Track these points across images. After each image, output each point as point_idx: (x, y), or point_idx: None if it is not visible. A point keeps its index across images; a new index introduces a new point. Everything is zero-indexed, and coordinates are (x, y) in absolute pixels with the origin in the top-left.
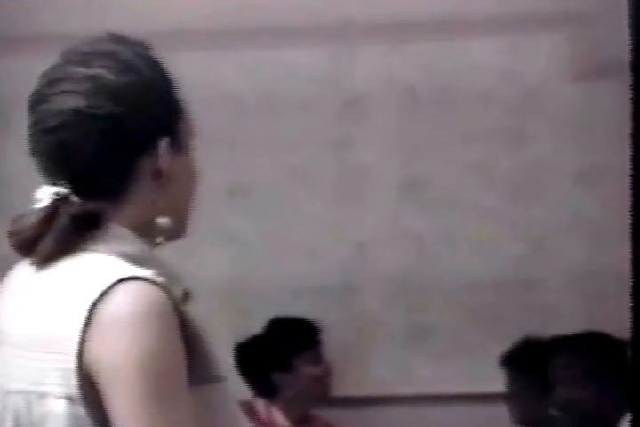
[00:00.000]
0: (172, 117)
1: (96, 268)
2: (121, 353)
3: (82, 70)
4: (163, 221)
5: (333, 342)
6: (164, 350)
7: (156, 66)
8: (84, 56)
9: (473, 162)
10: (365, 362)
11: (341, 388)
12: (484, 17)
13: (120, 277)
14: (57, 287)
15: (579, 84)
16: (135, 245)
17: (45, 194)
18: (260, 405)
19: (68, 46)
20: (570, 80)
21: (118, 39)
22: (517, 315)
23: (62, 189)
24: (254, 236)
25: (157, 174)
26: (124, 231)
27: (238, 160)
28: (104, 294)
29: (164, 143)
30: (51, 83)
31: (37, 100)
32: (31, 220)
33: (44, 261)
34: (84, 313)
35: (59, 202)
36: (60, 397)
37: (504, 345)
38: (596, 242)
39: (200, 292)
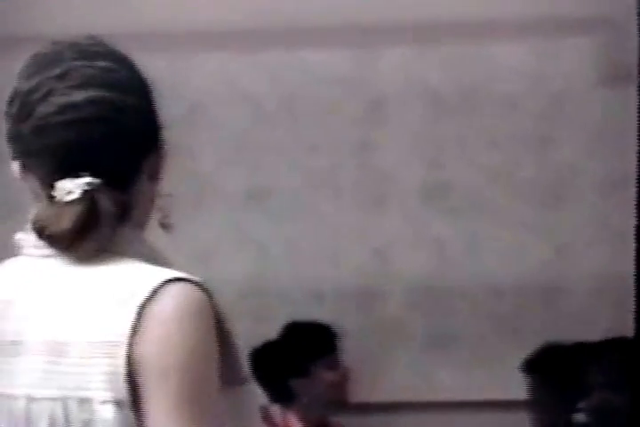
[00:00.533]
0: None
1: (134, 271)
2: (166, 351)
3: (95, 63)
4: (166, 217)
5: (354, 348)
6: (205, 350)
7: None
8: (85, 53)
9: (496, 167)
10: (386, 368)
11: (362, 394)
12: (509, 21)
13: (166, 279)
14: (93, 292)
15: (605, 88)
16: (148, 247)
17: (72, 186)
18: (276, 411)
19: (52, 46)
20: (596, 85)
21: (101, 40)
22: (541, 321)
23: (94, 180)
24: (273, 239)
25: (153, 175)
26: (137, 232)
27: (258, 163)
28: (152, 295)
29: (164, 140)
30: (60, 77)
31: (46, 93)
32: (71, 213)
33: (89, 256)
34: (133, 315)
35: (94, 193)
36: (106, 402)
37: (527, 351)
38: (620, 248)
39: (218, 296)
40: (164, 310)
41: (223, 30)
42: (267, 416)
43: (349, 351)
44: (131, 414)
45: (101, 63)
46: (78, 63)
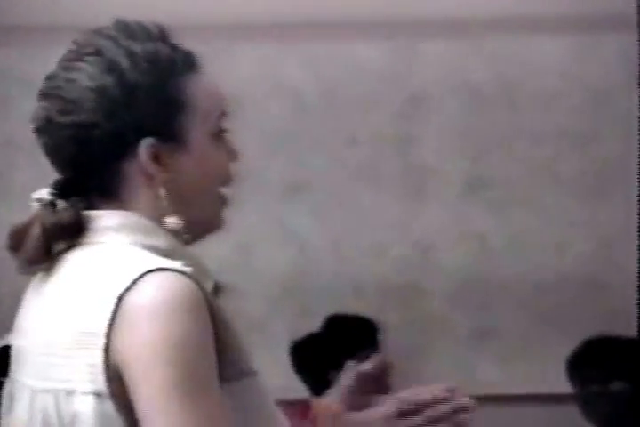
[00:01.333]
0: (160, 116)
1: (122, 260)
2: (147, 344)
3: (62, 73)
4: (170, 221)
5: (396, 342)
6: (191, 342)
7: (149, 63)
8: (71, 54)
9: (537, 161)
10: (428, 362)
11: (404, 388)
12: (548, 17)
13: (148, 269)
14: (82, 281)
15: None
16: (161, 238)
17: (34, 199)
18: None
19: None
20: (635, 80)
21: (114, 30)
22: (583, 315)
23: (45, 196)
24: (314, 233)
25: (147, 175)
26: (149, 224)
27: (298, 156)
28: (131, 286)
29: (143, 145)
30: (44, 81)
31: (37, 97)
32: (17, 226)
33: (26, 266)
34: (111, 306)
35: (39, 210)
36: (87, 393)
37: (569, 346)
38: None
39: (259, 289)
40: (143, 299)
41: (265, 23)
42: (307, 410)
43: (391, 345)
44: (111, 408)
45: (73, 74)
46: (57, 69)
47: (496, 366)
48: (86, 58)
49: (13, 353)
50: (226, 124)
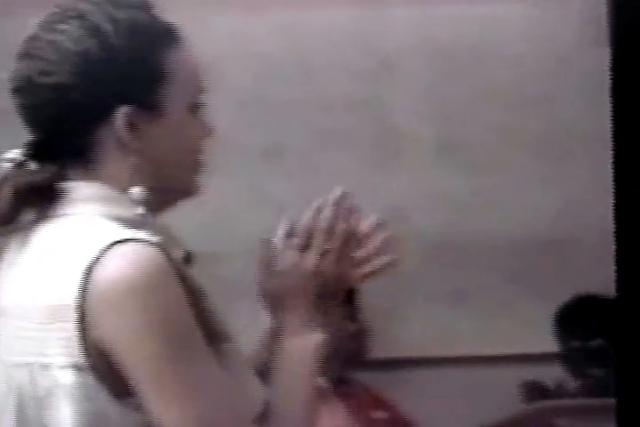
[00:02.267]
0: (140, 84)
1: (89, 231)
2: (131, 320)
3: (45, 34)
4: (135, 191)
5: (370, 304)
6: (174, 311)
7: (132, 30)
8: (54, 16)
9: (507, 123)
10: (403, 323)
11: (379, 350)
12: None
13: (114, 240)
14: (51, 253)
15: (607, 48)
16: (128, 208)
17: (5, 158)
18: None
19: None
20: (599, 44)
21: None
22: (555, 274)
23: (17, 156)
24: (289, 197)
25: (121, 143)
26: (118, 194)
27: (271, 121)
28: (98, 257)
29: (120, 112)
30: (25, 42)
31: (16, 57)
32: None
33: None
34: (79, 279)
35: (10, 170)
36: (64, 367)
37: (542, 306)
38: None
39: (235, 253)
40: (113, 272)
41: None
42: None
43: (366, 307)
44: (91, 379)
45: (57, 35)
46: (39, 30)
47: (471, 327)
48: (69, 21)
49: None
50: (202, 100)
